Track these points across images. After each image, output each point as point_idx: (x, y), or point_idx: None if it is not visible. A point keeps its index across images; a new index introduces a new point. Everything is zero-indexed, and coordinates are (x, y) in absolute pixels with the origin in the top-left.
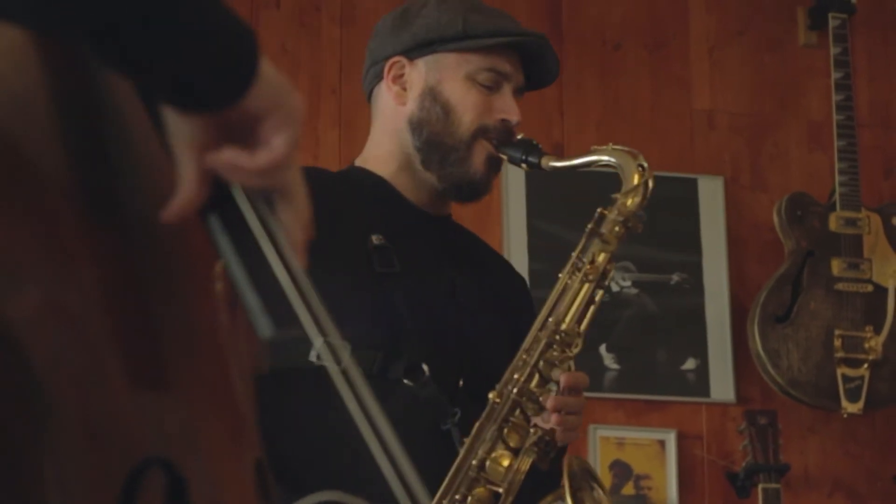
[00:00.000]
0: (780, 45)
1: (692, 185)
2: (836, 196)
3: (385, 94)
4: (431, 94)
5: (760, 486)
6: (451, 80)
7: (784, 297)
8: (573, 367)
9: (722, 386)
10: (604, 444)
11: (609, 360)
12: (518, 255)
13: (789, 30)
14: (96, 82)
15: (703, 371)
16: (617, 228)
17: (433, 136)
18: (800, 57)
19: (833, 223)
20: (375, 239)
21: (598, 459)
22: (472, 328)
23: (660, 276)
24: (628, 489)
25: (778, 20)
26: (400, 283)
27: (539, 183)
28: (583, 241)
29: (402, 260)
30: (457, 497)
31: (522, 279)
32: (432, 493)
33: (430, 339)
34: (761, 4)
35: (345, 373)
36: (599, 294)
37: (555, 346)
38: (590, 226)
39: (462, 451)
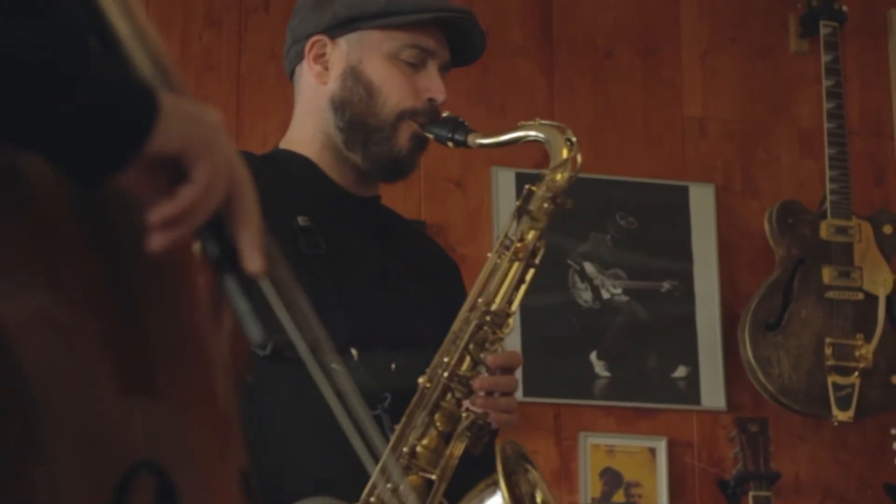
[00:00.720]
0: (771, 53)
1: (683, 192)
2: (827, 204)
3: (307, 74)
4: (353, 74)
5: (751, 494)
6: (374, 58)
7: (775, 305)
8: (504, 349)
9: (713, 393)
10: (594, 451)
11: (599, 368)
12: None
13: (781, 37)
14: None
15: (693, 378)
16: (546, 205)
17: (356, 117)
18: (791, 64)
19: (824, 231)
20: (301, 220)
21: (589, 467)
22: (404, 311)
23: (650, 283)
24: (619, 497)
25: (769, 27)
26: (326, 265)
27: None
28: (511, 219)
29: (328, 241)
30: (389, 485)
31: (453, 262)
32: (364, 481)
33: (360, 323)
34: (753, 11)
35: (333, 383)
36: (530, 273)
37: (485, 328)
38: (518, 203)
39: (392, 438)
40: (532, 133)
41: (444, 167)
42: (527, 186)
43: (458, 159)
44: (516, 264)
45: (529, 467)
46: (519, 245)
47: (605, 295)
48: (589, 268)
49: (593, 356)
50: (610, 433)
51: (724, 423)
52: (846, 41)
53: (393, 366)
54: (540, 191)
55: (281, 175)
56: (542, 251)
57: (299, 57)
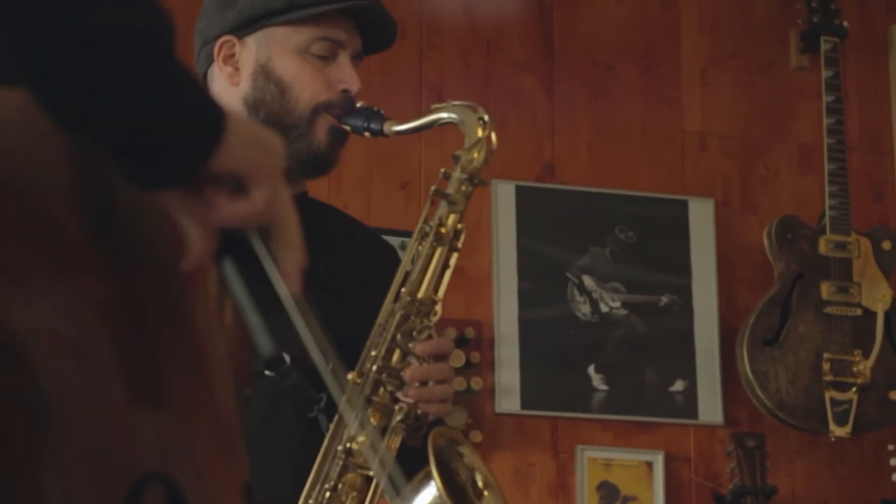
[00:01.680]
0: (771, 68)
1: (682, 206)
2: (826, 220)
3: (218, 76)
4: (264, 72)
5: None
6: (283, 54)
7: (773, 320)
8: (434, 336)
9: (710, 408)
10: (591, 465)
11: (598, 381)
12: (507, 275)
13: (781, 53)
14: None
15: (691, 393)
16: (463, 187)
17: (271, 116)
18: (791, 80)
19: (823, 247)
20: None
21: (586, 480)
22: (339, 310)
23: (649, 297)
24: None
25: (770, 43)
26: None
27: (529, 202)
28: (428, 204)
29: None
30: (327, 486)
31: (393, 249)
32: (303, 484)
33: (289, 325)
34: (753, 27)
35: (346, 393)
36: (454, 258)
37: (412, 318)
38: (433, 188)
39: (326, 439)
40: (445, 115)
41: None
42: (442, 170)
43: None
44: (439, 249)
45: (465, 451)
46: (441, 230)
47: (604, 308)
48: (588, 281)
49: (591, 369)
50: (607, 447)
51: (721, 438)
52: (846, 57)
53: (329, 366)
54: (456, 173)
55: None
56: (463, 234)
57: (209, 60)
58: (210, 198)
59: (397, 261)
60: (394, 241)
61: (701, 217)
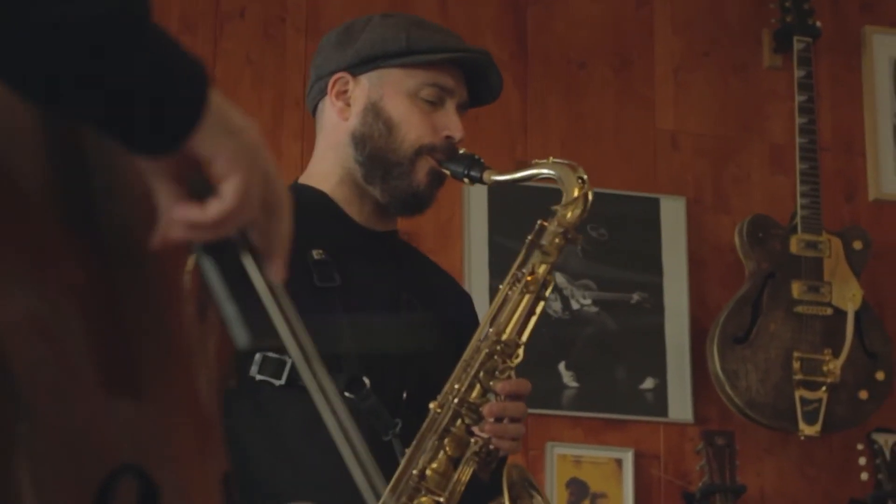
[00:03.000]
0: (744, 68)
1: (654, 204)
2: (798, 219)
3: (329, 110)
4: (374, 110)
5: None
6: (394, 95)
7: (744, 319)
8: (514, 377)
9: (680, 406)
10: (561, 461)
11: (568, 378)
12: (479, 272)
13: (754, 52)
14: None
15: (661, 391)
16: (557, 240)
17: (376, 151)
18: (764, 79)
19: (794, 246)
20: (316, 254)
21: (555, 477)
22: (416, 342)
23: (620, 294)
24: None
25: (743, 42)
26: (340, 297)
27: (501, 200)
28: (523, 252)
29: (342, 274)
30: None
31: (468, 296)
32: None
33: (371, 352)
34: (727, 26)
35: (321, 386)
36: (540, 305)
37: (496, 357)
38: (530, 237)
39: (403, 461)
40: (545, 171)
41: None
42: (539, 221)
43: None
44: (527, 296)
45: (535, 493)
46: (530, 278)
47: (575, 305)
48: (559, 278)
49: (562, 366)
50: (577, 444)
51: (690, 436)
52: (819, 57)
53: (405, 394)
54: (552, 226)
55: (296, 208)
56: (551, 284)
57: (322, 93)
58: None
59: (472, 305)
60: None
61: (673, 215)
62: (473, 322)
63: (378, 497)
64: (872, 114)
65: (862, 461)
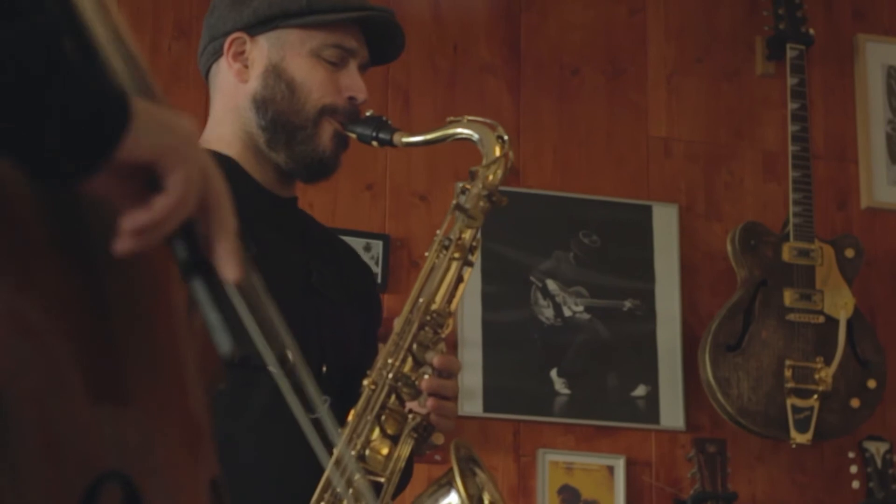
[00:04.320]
0: (737, 75)
1: (647, 211)
2: (790, 227)
3: (225, 72)
4: (275, 72)
5: None
6: (296, 56)
7: (736, 326)
8: (445, 349)
9: (672, 413)
10: (552, 468)
11: (560, 385)
12: (472, 278)
13: (747, 59)
14: None
15: (653, 398)
16: (481, 203)
17: (278, 115)
18: (757, 86)
19: (786, 254)
20: None
21: (547, 484)
22: (330, 313)
23: (612, 301)
24: None
25: (736, 49)
26: (256, 267)
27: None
28: (447, 218)
29: (257, 243)
30: (338, 490)
31: (367, 266)
32: (310, 482)
33: (289, 325)
34: (719, 33)
35: (295, 384)
36: (468, 271)
37: (427, 328)
38: (453, 202)
39: (340, 442)
40: (461, 130)
41: (410, 182)
42: (461, 184)
43: (423, 174)
44: (454, 263)
45: (477, 469)
46: (456, 244)
47: (567, 312)
48: (551, 285)
49: (554, 373)
50: (569, 450)
51: (682, 443)
52: (812, 65)
53: (324, 368)
54: (475, 189)
55: None
56: (478, 249)
57: (217, 54)
58: (128, 197)
59: (372, 275)
60: (359, 241)
61: (665, 222)
62: (375, 294)
63: None
64: (865, 122)
65: (853, 469)
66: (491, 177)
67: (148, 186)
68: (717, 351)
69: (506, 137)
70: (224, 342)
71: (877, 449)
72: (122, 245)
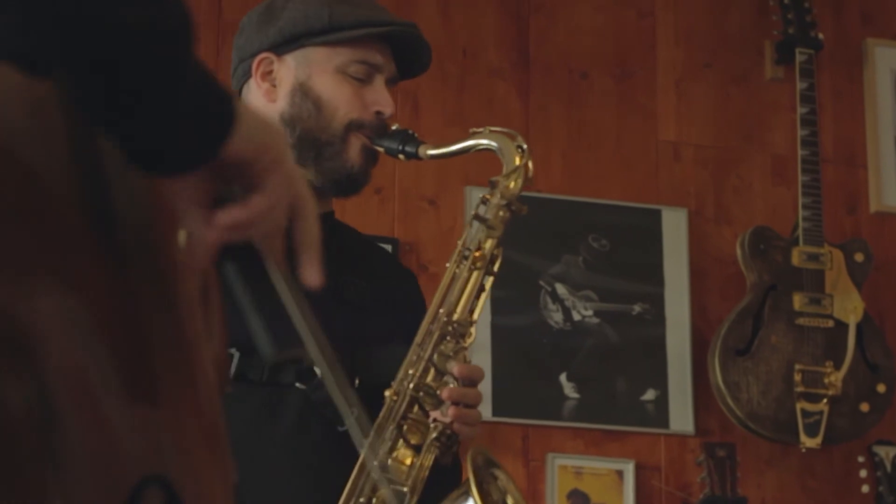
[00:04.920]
0: (746, 79)
1: (656, 216)
2: (799, 231)
3: (255, 92)
4: (302, 90)
5: None
6: (322, 73)
7: (745, 331)
8: (468, 359)
9: (681, 417)
10: (562, 472)
11: (569, 389)
12: None
13: (756, 63)
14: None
15: (662, 402)
16: (501, 213)
17: (306, 132)
18: (766, 91)
19: (795, 258)
20: None
21: (556, 488)
22: (363, 327)
23: (621, 306)
24: None
25: (745, 54)
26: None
27: None
28: (467, 228)
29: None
30: (361, 500)
31: (412, 274)
32: (335, 497)
33: (318, 340)
34: (728, 37)
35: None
36: (489, 281)
37: (448, 338)
38: (473, 212)
39: (363, 452)
40: (483, 141)
41: (419, 186)
42: (481, 195)
43: (432, 178)
44: (475, 273)
45: (498, 473)
46: (477, 254)
47: (576, 317)
48: (560, 289)
49: (563, 377)
50: (578, 455)
51: (691, 448)
52: (821, 69)
53: (357, 381)
54: (494, 199)
55: None
56: (499, 259)
57: (246, 76)
58: (215, 187)
59: (416, 283)
60: None
61: (674, 226)
62: (418, 300)
63: None
64: (874, 126)
65: (863, 474)
66: (511, 185)
67: (219, 199)
68: (726, 355)
69: (525, 147)
70: (267, 348)
71: (886, 453)
72: (211, 237)
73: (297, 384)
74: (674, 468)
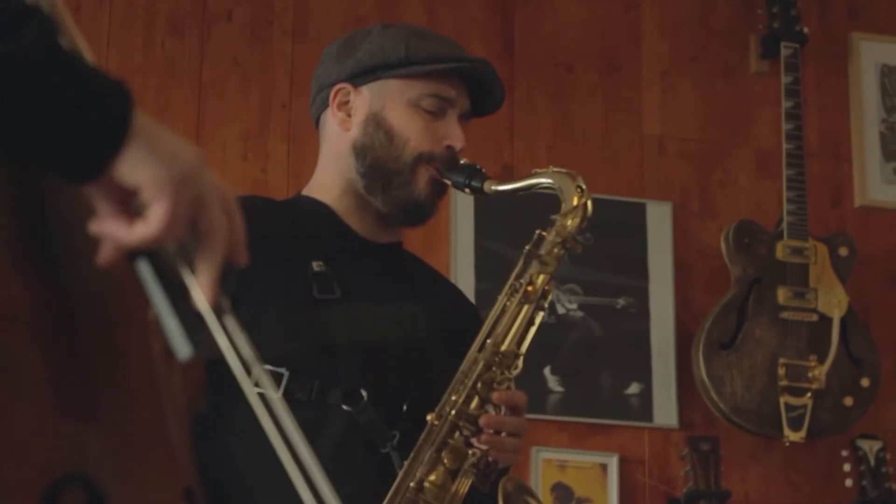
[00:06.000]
0: (731, 73)
1: (641, 209)
2: (784, 225)
3: (331, 121)
4: (375, 120)
5: None
6: (395, 106)
7: (729, 324)
8: (513, 388)
9: (665, 411)
10: (546, 466)
11: (553, 383)
12: (465, 275)
13: (741, 57)
14: None
15: (646, 396)
16: (556, 250)
17: (376, 162)
18: (751, 85)
19: (780, 252)
20: (315, 265)
21: (540, 481)
22: (418, 354)
23: (606, 299)
24: None
25: (730, 47)
26: (340, 309)
27: (487, 203)
28: (521, 262)
29: (343, 286)
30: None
31: (474, 307)
32: None
33: (370, 365)
34: (714, 31)
35: (262, 397)
36: (539, 315)
37: (494, 368)
38: (528, 247)
39: (401, 473)
40: (545, 180)
41: None
42: (538, 231)
43: None
44: (526, 307)
45: (532, 501)
46: (530, 288)
47: (561, 310)
48: None
49: (547, 371)
50: (562, 448)
51: (675, 441)
52: (806, 63)
53: (405, 406)
54: (550, 236)
55: (298, 220)
56: (550, 295)
57: (324, 104)
58: (116, 200)
59: (477, 316)
60: None
61: (659, 220)
62: (476, 333)
63: None
64: (859, 120)
65: (846, 467)
66: (569, 224)
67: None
68: (710, 349)
69: (584, 187)
70: (182, 349)
71: (870, 447)
72: (103, 256)
73: (344, 406)
74: (658, 462)
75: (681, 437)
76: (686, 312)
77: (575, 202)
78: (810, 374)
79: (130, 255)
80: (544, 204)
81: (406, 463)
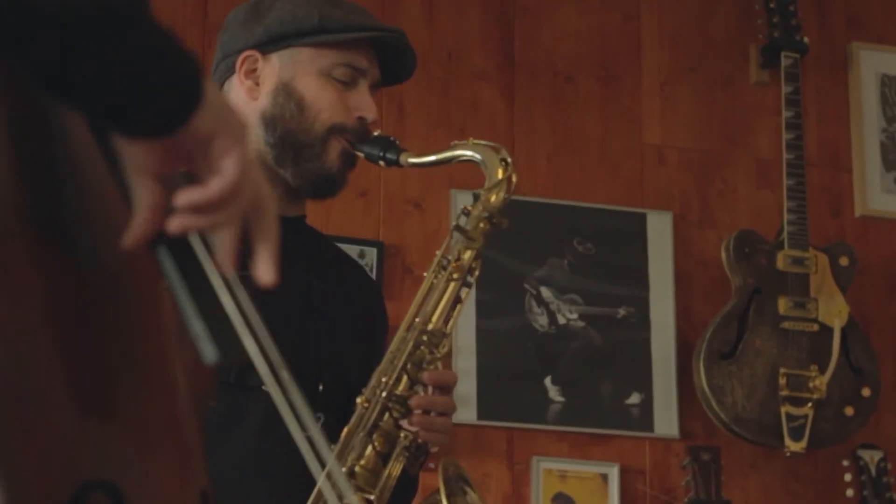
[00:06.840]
0: (731, 83)
1: (641, 219)
2: (784, 234)
3: (237, 89)
4: (285, 90)
5: None
6: (306, 75)
7: (730, 334)
8: (441, 368)
9: (666, 421)
10: (547, 476)
11: (554, 393)
12: None
13: (741, 67)
14: (45, 111)
15: (647, 406)
16: (482, 225)
17: (287, 133)
18: (751, 94)
19: (780, 261)
20: None
21: (541, 491)
22: (329, 332)
23: (606, 309)
24: None
25: (730, 57)
26: (246, 285)
27: None
28: (447, 238)
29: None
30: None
31: (376, 284)
32: (301, 501)
33: (285, 344)
34: (714, 41)
35: (290, 402)
36: (465, 292)
37: (422, 347)
38: (454, 223)
39: (330, 459)
40: (466, 152)
41: (404, 189)
42: (463, 206)
43: (417, 182)
44: (452, 284)
45: (468, 489)
46: (455, 265)
47: (561, 320)
48: (545, 292)
49: (548, 381)
50: (563, 458)
51: (676, 451)
52: (806, 73)
53: (321, 386)
54: (476, 211)
55: None
56: (477, 271)
57: (229, 72)
58: (173, 165)
59: (380, 293)
60: (353, 248)
61: (659, 230)
62: (380, 310)
63: None
64: (859, 130)
65: (847, 477)
66: (493, 199)
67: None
68: (711, 359)
69: (509, 160)
70: (209, 353)
71: (871, 457)
72: (174, 223)
73: (264, 387)
74: (658, 472)
75: (681, 446)
76: (686, 322)
77: (500, 175)
78: (811, 384)
79: (152, 242)
80: (547, 217)
81: (336, 447)
